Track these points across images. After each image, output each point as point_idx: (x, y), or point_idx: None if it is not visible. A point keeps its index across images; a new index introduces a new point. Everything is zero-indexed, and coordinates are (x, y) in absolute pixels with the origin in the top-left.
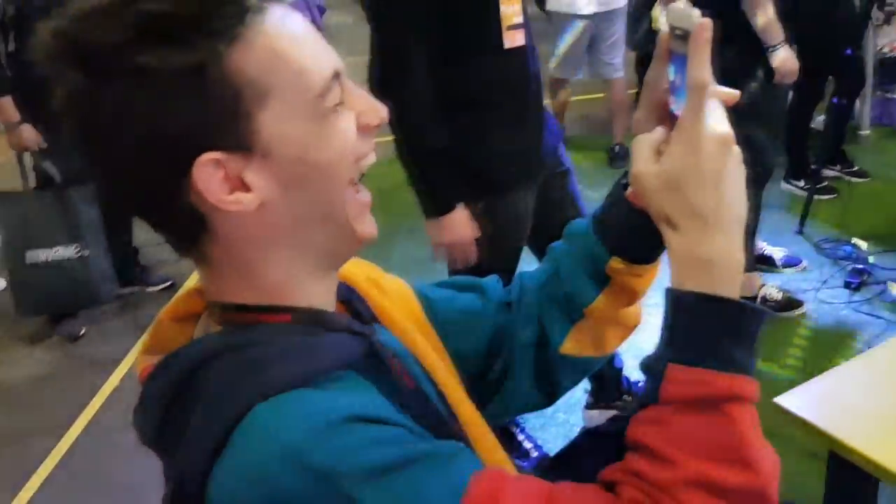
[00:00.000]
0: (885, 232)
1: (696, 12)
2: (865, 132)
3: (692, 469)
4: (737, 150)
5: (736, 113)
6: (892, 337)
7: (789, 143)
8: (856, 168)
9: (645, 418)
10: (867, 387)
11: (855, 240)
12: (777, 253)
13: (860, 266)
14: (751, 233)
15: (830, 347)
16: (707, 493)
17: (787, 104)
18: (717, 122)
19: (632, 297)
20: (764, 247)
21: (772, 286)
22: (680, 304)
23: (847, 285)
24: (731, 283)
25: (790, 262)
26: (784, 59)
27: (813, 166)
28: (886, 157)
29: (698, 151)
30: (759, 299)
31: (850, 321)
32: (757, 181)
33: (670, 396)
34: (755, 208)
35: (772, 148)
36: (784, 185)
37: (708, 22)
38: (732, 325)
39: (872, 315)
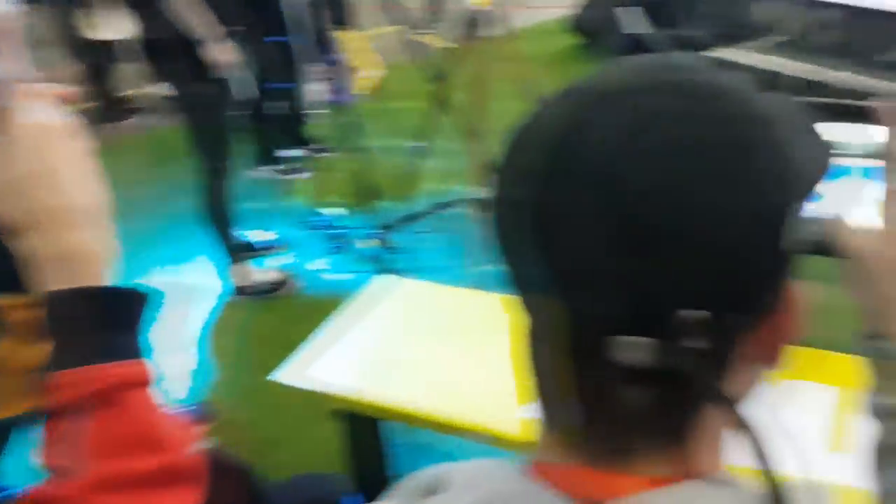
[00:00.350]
0: (348, 196)
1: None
2: (321, 111)
3: (96, 472)
4: (74, 145)
5: (186, 112)
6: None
7: (253, 132)
8: (317, 145)
9: (46, 440)
10: (352, 337)
11: (327, 210)
12: (264, 237)
13: (335, 231)
14: (229, 224)
15: (327, 311)
16: (120, 489)
17: (232, 95)
18: (44, 116)
19: (32, 332)
20: (249, 234)
21: (264, 270)
22: (51, 308)
23: (329, 251)
24: (94, 273)
25: (277, 243)
26: (216, 52)
27: (280, 150)
28: (338, 131)
29: (33, 152)
30: (254, 285)
31: (339, 282)
32: (220, 174)
33: (61, 405)
34: (226, 200)
35: (227, 140)
36: (256, 174)
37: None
38: (105, 313)
39: (355, 271)
